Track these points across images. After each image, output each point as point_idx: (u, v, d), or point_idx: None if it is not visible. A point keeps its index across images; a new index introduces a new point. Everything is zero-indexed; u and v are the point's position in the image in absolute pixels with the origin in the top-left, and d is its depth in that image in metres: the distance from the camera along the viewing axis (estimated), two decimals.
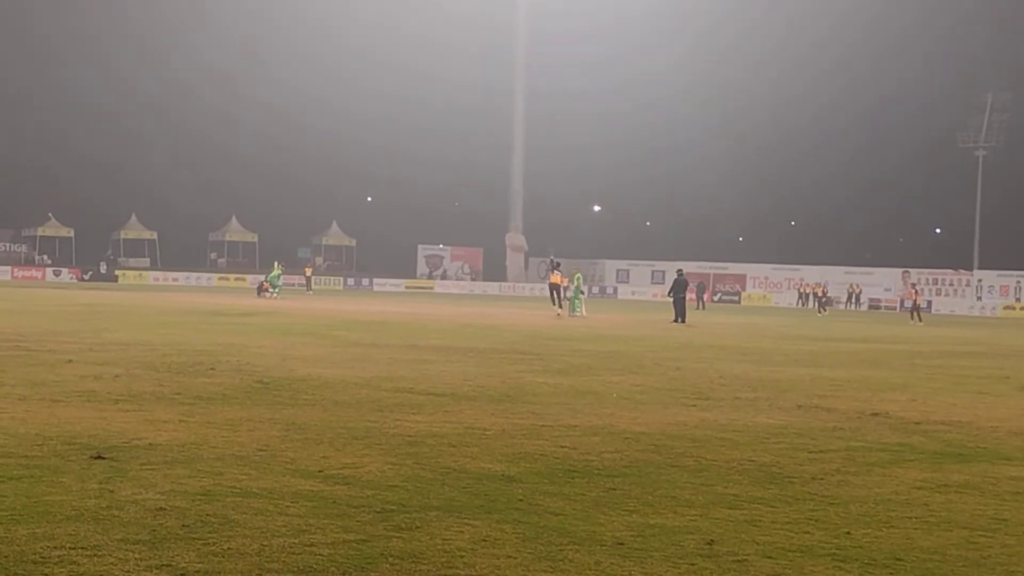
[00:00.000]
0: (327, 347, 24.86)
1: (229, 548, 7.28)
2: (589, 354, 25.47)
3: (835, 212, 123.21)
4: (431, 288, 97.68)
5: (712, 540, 7.95)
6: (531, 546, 7.61)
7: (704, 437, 12.83)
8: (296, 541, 7.50)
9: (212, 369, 18.64)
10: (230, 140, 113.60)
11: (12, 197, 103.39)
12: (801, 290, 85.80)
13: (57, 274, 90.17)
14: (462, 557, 7.27)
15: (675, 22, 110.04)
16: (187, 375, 17.61)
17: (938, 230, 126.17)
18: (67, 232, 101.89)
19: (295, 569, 6.87)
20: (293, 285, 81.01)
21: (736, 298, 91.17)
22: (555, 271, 50.36)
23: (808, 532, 8.32)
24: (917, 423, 14.77)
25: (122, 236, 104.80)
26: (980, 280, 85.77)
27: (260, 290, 63.77)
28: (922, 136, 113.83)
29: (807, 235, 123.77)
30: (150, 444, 11.04)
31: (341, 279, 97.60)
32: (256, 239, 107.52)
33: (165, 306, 44.74)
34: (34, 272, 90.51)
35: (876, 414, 15.59)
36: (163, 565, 6.84)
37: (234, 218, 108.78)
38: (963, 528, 8.63)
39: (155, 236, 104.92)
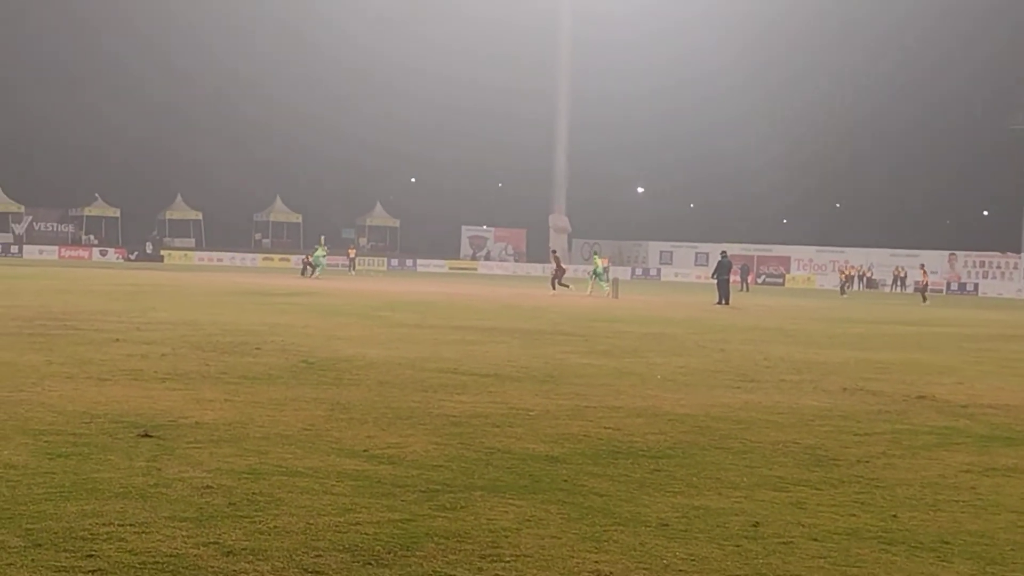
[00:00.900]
0: (372, 327, 24.94)
1: (275, 526, 7.32)
2: (633, 336, 25.44)
3: (881, 194, 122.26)
4: (475, 269, 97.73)
5: (757, 522, 7.93)
6: (576, 526, 7.62)
7: (749, 419, 12.79)
8: (341, 520, 7.54)
9: (258, 349, 18.74)
10: (275, 121, 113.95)
11: (59, 177, 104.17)
12: (845, 272, 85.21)
13: (104, 254, 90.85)
14: (507, 537, 7.28)
15: (719, 1, 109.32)
16: (233, 355, 17.71)
17: (985, 212, 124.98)
18: (114, 212, 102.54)
19: (340, 547, 6.90)
20: (337, 266, 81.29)
21: (780, 280, 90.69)
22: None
23: (854, 515, 8.28)
24: (964, 406, 14.67)
25: (168, 216, 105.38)
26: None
27: (304, 267, 63.85)
28: (970, 116, 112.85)
29: (852, 217, 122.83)
30: (196, 423, 11.12)
31: (385, 260, 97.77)
32: (300, 220, 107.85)
33: (210, 286, 45.01)
34: (81, 252, 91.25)
35: (922, 397, 15.49)
36: (210, 543, 6.89)
37: (278, 199, 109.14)
38: (1011, 512, 8.57)
39: (200, 216, 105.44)
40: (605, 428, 11.75)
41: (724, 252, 48.70)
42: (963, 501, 8.90)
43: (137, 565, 6.44)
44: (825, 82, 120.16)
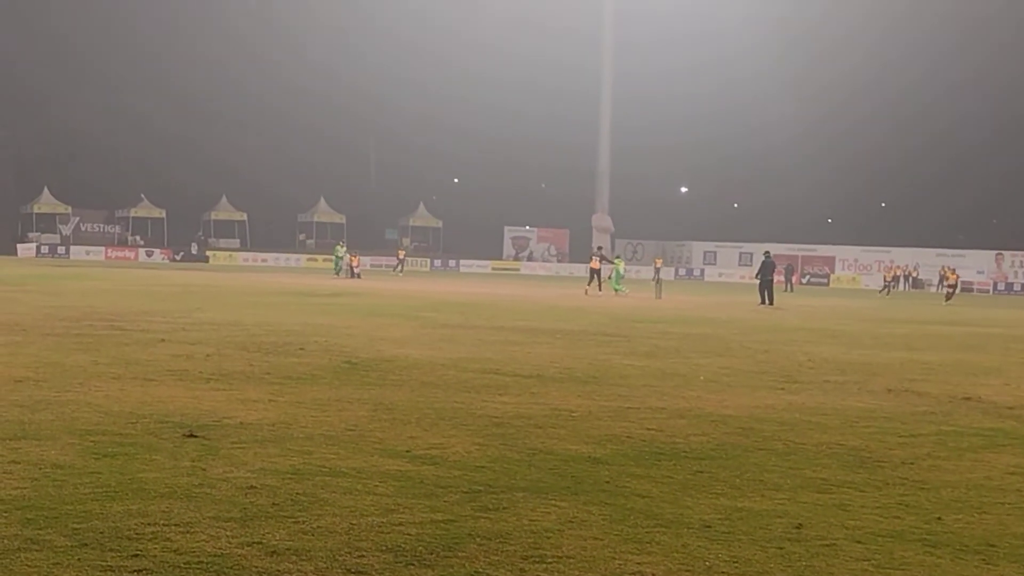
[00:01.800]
0: (415, 328, 25.00)
1: (319, 526, 7.36)
2: (676, 336, 25.38)
3: (926, 193, 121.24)
4: (517, 270, 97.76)
5: (800, 524, 7.90)
6: (618, 528, 7.61)
7: (792, 420, 12.74)
8: (384, 520, 7.57)
9: (301, 349, 18.83)
10: (318, 122, 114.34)
11: (106, 179, 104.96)
12: (888, 274, 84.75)
13: (149, 255, 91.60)
14: (549, 538, 7.29)
15: (761, 1, 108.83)
16: (277, 355, 17.81)
17: None
18: (159, 213, 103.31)
19: (383, 548, 6.93)
20: (381, 267, 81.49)
21: (825, 280, 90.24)
22: (594, 257, 54.03)
23: (898, 517, 8.24)
24: (1011, 408, 14.55)
25: (213, 217, 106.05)
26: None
27: (351, 270, 63.94)
28: (1015, 113, 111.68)
29: (898, 216, 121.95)
30: (241, 423, 11.19)
31: (428, 260, 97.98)
32: (344, 220, 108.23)
33: (255, 287, 45.26)
34: (127, 252, 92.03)
35: (968, 398, 15.38)
36: (254, 542, 6.94)
37: (322, 199, 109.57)
38: None
39: (245, 217, 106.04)
40: (647, 429, 11.74)
41: (767, 252, 48.48)
42: (1009, 503, 8.83)
43: (182, 565, 6.49)
44: (869, 80, 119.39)
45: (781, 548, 7.25)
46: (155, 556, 6.62)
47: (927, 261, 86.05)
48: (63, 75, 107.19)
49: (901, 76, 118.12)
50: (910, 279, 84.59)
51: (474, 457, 9.89)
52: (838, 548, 7.31)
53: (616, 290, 51.17)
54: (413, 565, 6.63)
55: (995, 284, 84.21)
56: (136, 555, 6.63)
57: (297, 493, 8.26)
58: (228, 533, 7.12)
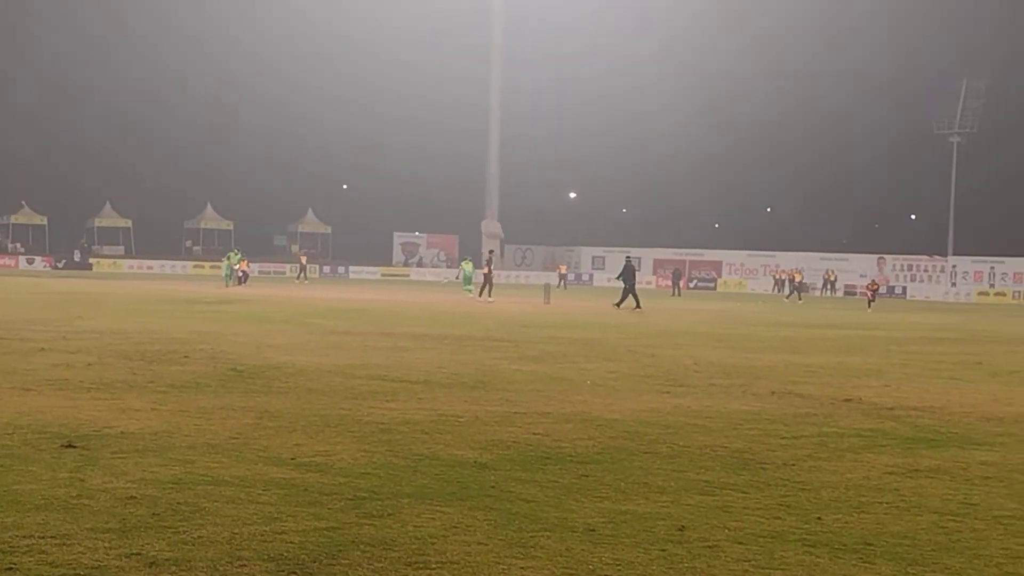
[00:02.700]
0: (302, 335, 24.81)
1: (199, 536, 7.26)
2: (564, 341, 25.48)
3: (811, 199, 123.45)
4: (407, 276, 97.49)
5: (683, 526, 7.97)
6: (503, 533, 7.61)
7: (677, 424, 12.86)
8: (267, 529, 7.49)
9: (186, 357, 18.58)
10: (204, 128, 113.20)
11: None
12: (776, 276, 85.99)
13: (31, 262, 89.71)
14: (433, 544, 7.27)
15: (652, 13, 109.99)
16: (160, 363, 17.55)
17: (913, 216, 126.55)
18: (40, 220, 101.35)
19: (266, 557, 6.85)
20: (270, 273, 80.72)
21: (712, 284, 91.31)
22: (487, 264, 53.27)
23: (779, 518, 8.34)
24: (890, 409, 14.83)
25: (96, 224, 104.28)
26: (955, 266, 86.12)
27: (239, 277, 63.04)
28: (898, 123, 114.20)
29: (783, 221, 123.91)
30: (122, 433, 11.00)
31: (317, 267, 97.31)
32: (232, 227, 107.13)
33: (140, 294, 44.58)
34: (7, 260, 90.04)
35: (849, 400, 15.65)
36: (133, 554, 6.82)
37: (209, 205, 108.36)
38: (933, 513, 8.67)
39: (130, 224, 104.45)
40: (534, 434, 11.77)
41: (628, 257, 49.07)
42: (887, 503, 8.98)
43: None
44: (758, 94, 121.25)
45: (664, 550, 7.30)
46: (30, 569, 6.48)
47: (812, 265, 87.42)
48: None
49: (789, 90, 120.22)
50: (796, 283, 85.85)
51: (360, 464, 9.83)
52: (720, 549, 7.39)
53: (466, 291, 52.27)
54: (295, 574, 6.57)
55: (877, 288, 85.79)
56: (10, 568, 6.48)
57: (178, 503, 8.14)
58: (106, 545, 6.98)
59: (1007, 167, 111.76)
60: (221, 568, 6.61)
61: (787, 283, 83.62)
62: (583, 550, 7.24)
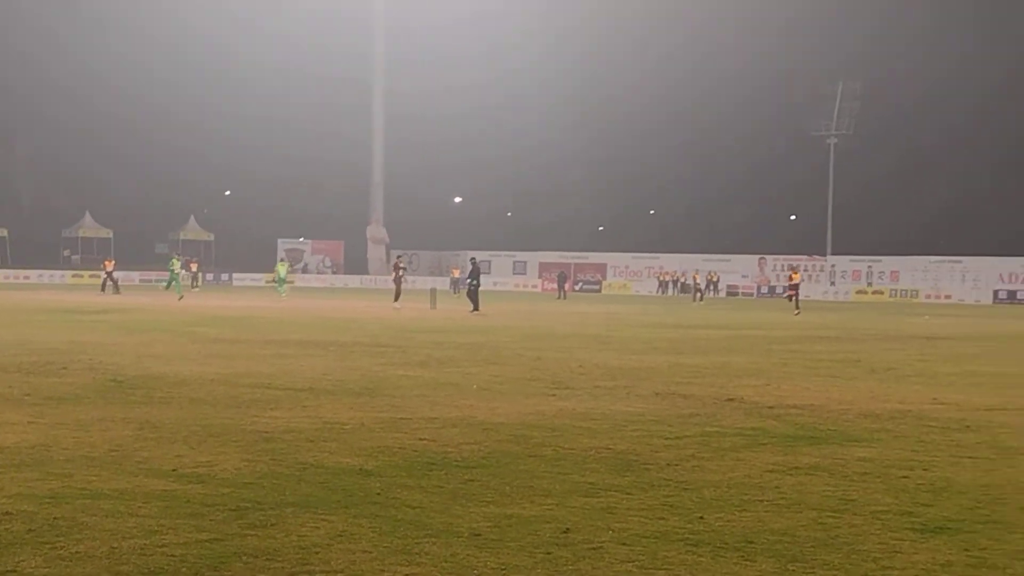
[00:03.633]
0: (184, 344, 24.48)
1: (77, 552, 7.12)
2: (451, 346, 25.47)
3: (694, 200, 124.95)
4: (292, 282, 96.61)
5: (568, 528, 8.00)
6: (387, 540, 7.58)
7: (562, 426, 12.91)
8: (147, 542, 7.37)
9: (64, 368, 18.23)
10: (82, 135, 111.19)
11: None
12: (660, 278, 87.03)
13: None
14: (317, 553, 7.21)
15: (536, 19, 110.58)
16: (37, 375, 17.19)
17: (793, 217, 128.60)
18: None
19: (145, 571, 6.74)
20: (151, 281, 79.46)
21: (597, 287, 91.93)
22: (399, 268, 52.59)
23: (662, 518, 8.42)
24: (771, 407, 15.05)
25: None
26: (833, 265, 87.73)
27: (105, 283, 61.52)
28: (777, 125, 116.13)
29: (667, 224, 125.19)
30: None
31: (200, 275, 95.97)
32: (111, 235, 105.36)
33: (16, 305, 43.63)
34: None
35: (732, 399, 15.86)
36: (8, 571, 6.67)
37: (88, 214, 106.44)
38: (812, 509, 8.81)
39: (6, 233, 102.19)
40: (420, 440, 11.74)
41: (473, 259, 49.27)
42: (768, 500, 9.11)
43: None
44: (639, 96, 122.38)
45: (549, 553, 7.33)
46: None
47: (695, 266, 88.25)
48: None
49: (671, 95, 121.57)
50: (679, 284, 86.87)
51: (243, 474, 9.72)
52: (604, 551, 7.43)
53: (279, 293, 53.59)
54: None
55: (758, 288, 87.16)
56: None
57: (55, 518, 7.98)
58: None
59: (882, 167, 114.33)
60: None
61: (671, 284, 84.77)
62: (468, 555, 7.23)
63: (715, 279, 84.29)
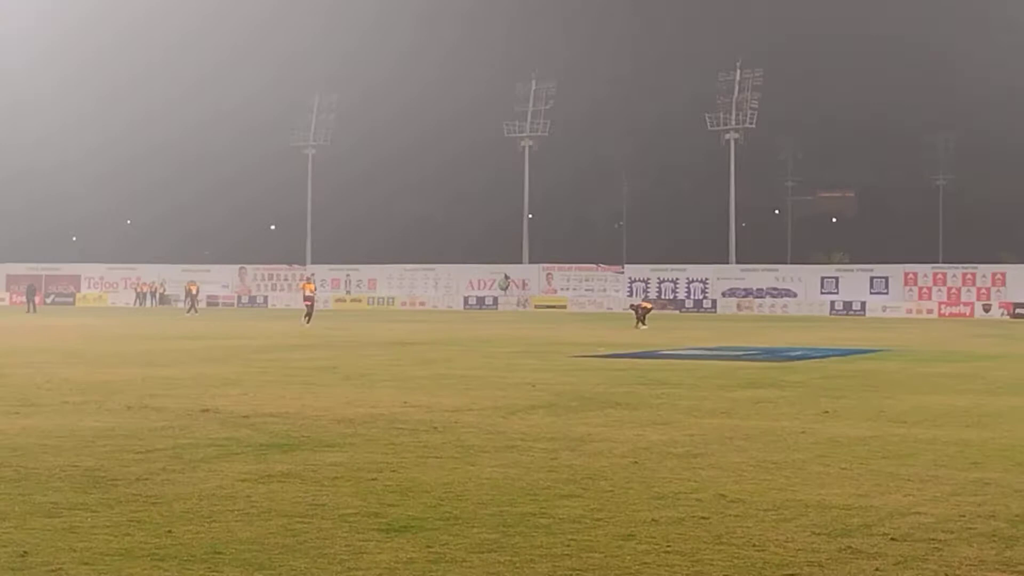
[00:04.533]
0: None
1: None
2: None
3: (172, 210, 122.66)
4: None
5: (26, 551, 7.64)
6: None
7: (25, 445, 12.32)
8: None
9: None
10: None
11: None
12: (138, 289, 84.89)
13: None
14: None
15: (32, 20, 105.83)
16: None
17: (273, 227, 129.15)
18: None
19: None
20: None
21: (71, 299, 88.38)
22: None
23: (129, 534, 8.20)
24: (246, 416, 15.04)
25: None
26: (312, 274, 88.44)
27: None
28: (248, 133, 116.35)
29: (145, 234, 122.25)
30: None
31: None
32: None
33: None
34: None
35: (207, 410, 15.71)
36: None
37: None
38: (283, 516, 8.86)
39: None
40: None
41: None
42: (238, 510, 9.08)
43: None
44: (111, 100, 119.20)
45: None
46: None
47: (174, 277, 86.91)
48: None
49: (143, 103, 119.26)
50: (157, 295, 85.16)
51: None
52: (64, 572, 7.16)
53: None
54: None
55: (239, 297, 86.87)
56: None
57: None
58: None
59: (357, 178, 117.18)
60: None
61: (148, 296, 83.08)
62: None
63: (194, 290, 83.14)
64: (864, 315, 71.16)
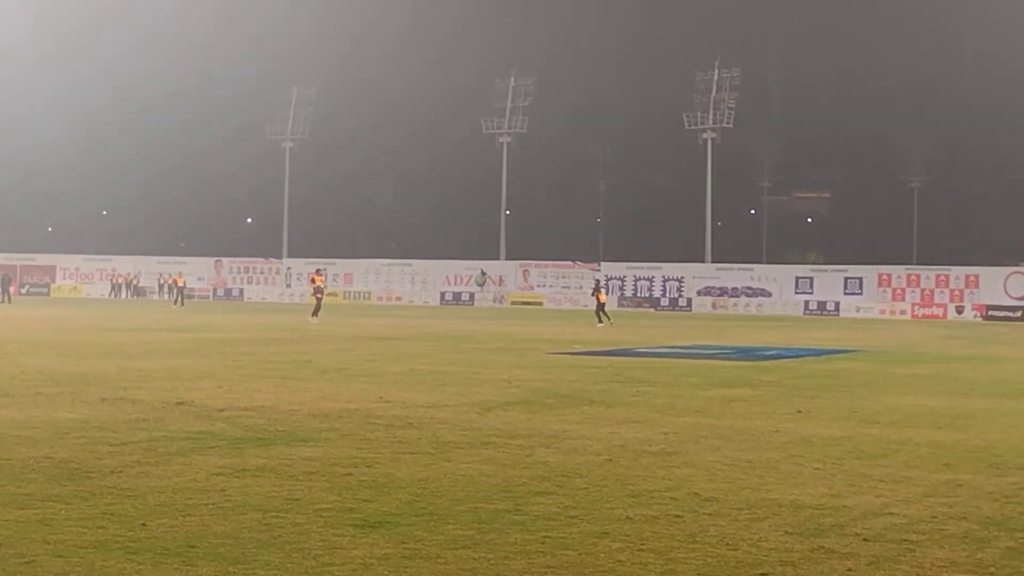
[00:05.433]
0: None
1: None
2: None
3: (148, 201, 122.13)
4: None
5: (0, 544, 7.62)
6: None
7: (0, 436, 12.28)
8: None
9: None
10: None
11: None
12: (114, 281, 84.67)
13: None
14: None
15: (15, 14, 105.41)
16: None
17: (249, 220, 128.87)
18: None
19: None
20: None
21: (46, 290, 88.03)
22: None
23: (103, 527, 8.19)
24: (221, 410, 15.02)
25: None
26: (289, 268, 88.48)
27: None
28: (234, 127, 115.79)
29: (123, 226, 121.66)
30: None
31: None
32: None
33: None
34: None
35: (182, 403, 15.69)
36: None
37: None
38: (257, 510, 8.86)
39: None
40: None
41: None
42: (212, 504, 9.07)
43: None
44: (100, 94, 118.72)
45: None
46: None
47: (150, 268, 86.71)
48: None
49: (132, 97, 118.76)
50: (132, 287, 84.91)
51: None
52: (38, 564, 7.14)
53: None
54: None
55: (215, 290, 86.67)
56: None
57: None
58: None
59: (334, 172, 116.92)
60: None
61: (124, 288, 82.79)
62: None
63: (171, 281, 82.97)
64: (838, 315, 71.44)
